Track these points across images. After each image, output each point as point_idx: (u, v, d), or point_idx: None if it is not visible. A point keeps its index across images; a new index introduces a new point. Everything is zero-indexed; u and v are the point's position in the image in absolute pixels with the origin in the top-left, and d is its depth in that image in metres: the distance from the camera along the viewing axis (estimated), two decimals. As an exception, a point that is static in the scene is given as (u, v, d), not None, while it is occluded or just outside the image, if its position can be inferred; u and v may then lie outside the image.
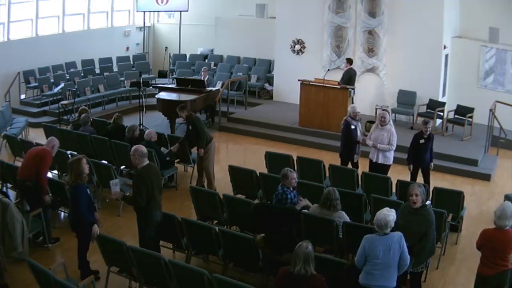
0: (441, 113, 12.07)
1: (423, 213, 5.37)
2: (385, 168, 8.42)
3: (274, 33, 14.47)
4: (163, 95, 12.38)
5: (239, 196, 7.68)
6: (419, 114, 12.26)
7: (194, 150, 9.06)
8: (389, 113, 8.72)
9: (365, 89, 13.02)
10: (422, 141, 8.32)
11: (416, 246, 5.22)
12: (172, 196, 8.65)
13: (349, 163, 8.79)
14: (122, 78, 15.12)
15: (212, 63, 16.22)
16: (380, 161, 8.37)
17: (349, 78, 12.07)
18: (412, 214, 5.37)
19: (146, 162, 5.99)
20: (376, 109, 12.66)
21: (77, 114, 10.53)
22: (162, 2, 16.81)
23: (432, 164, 8.54)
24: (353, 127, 8.57)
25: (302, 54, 14.03)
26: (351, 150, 8.70)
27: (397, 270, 4.89)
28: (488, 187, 9.73)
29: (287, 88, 14.01)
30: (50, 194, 7.03)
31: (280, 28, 14.33)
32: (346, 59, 12.40)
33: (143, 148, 6.02)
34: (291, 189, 6.31)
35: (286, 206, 6.25)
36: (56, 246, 6.95)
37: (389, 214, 4.81)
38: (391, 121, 8.57)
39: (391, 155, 8.47)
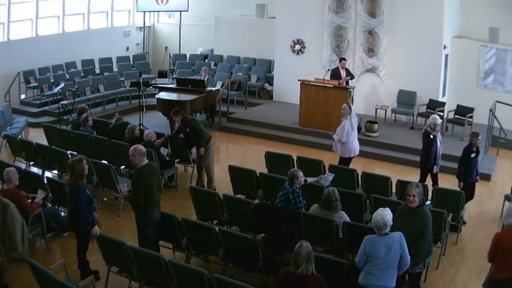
0: (441, 113, 12.04)
1: (419, 213, 5.37)
2: (341, 160, 8.77)
3: (274, 33, 14.47)
4: (163, 95, 12.39)
5: (239, 196, 7.68)
6: (419, 114, 12.28)
7: (193, 150, 9.06)
8: (350, 107, 8.76)
9: (365, 89, 13.03)
10: (473, 155, 7.92)
11: (413, 247, 5.22)
12: (172, 196, 8.65)
13: (428, 173, 8.49)
14: (122, 78, 15.12)
15: (212, 63, 16.22)
16: (335, 150, 8.84)
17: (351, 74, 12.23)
18: (409, 214, 5.37)
19: (146, 161, 6.02)
20: (376, 109, 12.66)
21: (76, 114, 10.54)
22: (162, 2, 16.81)
23: (478, 177, 8.18)
24: (431, 136, 8.28)
25: (302, 54, 14.03)
26: (430, 159, 8.32)
27: (397, 270, 4.90)
28: (488, 187, 9.72)
29: (287, 88, 14.01)
30: (45, 195, 7.05)
31: (280, 28, 14.33)
32: (343, 58, 12.34)
33: (142, 148, 6.05)
34: (298, 187, 6.37)
35: (286, 206, 6.27)
36: (56, 246, 6.96)
37: (386, 214, 4.83)
38: (351, 115, 8.65)
39: (346, 148, 8.68)
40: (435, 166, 8.35)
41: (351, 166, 8.75)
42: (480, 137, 7.93)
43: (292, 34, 14.03)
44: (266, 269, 5.69)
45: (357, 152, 8.92)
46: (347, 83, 11.96)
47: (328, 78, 11.94)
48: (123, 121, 9.94)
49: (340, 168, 8.26)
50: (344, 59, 12.21)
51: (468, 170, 7.92)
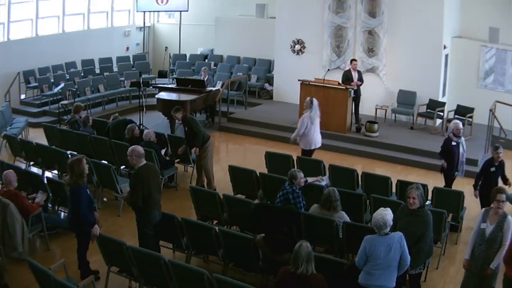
0: (441, 113, 12.08)
1: (420, 215, 5.38)
2: (302, 152, 9.00)
3: (274, 33, 14.46)
4: (163, 95, 12.39)
5: (239, 196, 7.68)
6: (419, 114, 12.28)
7: (193, 150, 9.06)
8: (312, 101, 8.91)
9: (365, 89, 12.98)
10: (493, 169, 7.43)
11: (413, 248, 5.22)
12: (172, 196, 8.65)
13: (452, 180, 8.28)
14: (122, 78, 15.12)
15: (212, 63, 16.21)
16: (293, 141, 9.07)
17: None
18: (410, 215, 5.38)
19: (143, 162, 6.01)
20: (376, 109, 12.66)
21: (72, 112, 10.51)
22: (162, 2, 16.81)
23: None
24: (454, 143, 8.06)
25: (302, 54, 14.03)
26: (452, 167, 8.11)
27: (397, 270, 4.91)
28: (488, 187, 9.71)
29: (287, 88, 14.01)
30: (45, 195, 7.05)
31: (280, 28, 14.32)
32: (354, 59, 12.20)
33: (140, 149, 6.04)
34: (298, 188, 6.38)
35: (286, 206, 6.27)
36: (56, 246, 6.96)
37: (386, 213, 4.83)
38: (313, 108, 8.83)
39: (307, 141, 8.92)
40: (456, 173, 8.14)
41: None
42: (500, 150, 7.39)
43: (292, 34, 14.03)
44: (266, 269, 5.69)
45: (318, 145, 9.14)
46: (358, 87, 11.87)
47: (328, 78, 11.92)
48: (122, 119, 9.98)
49: (340, 168, 8.26)
50: (355, 60, 12.10)
51: (486, 183, 7.42)
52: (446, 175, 8.30)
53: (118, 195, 8.00)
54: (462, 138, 8.18)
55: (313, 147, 9.05)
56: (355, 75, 11.89)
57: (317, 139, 9.07)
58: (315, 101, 8.97)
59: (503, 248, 5.20)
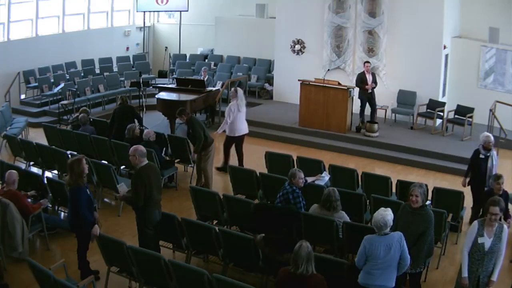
0: (441, 113, 12.07)
1: (422, 213, 5.37)
2: (227, 139, 9.65)
3: (274, 33, 14.46)
4: (163, 95, 12.38)
5: (239, 196, 7.68)
6: (419, 114, 12.28)
7: (192, 156, 9.06)
8: (237, 91, 9.68)
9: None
10: None
11: (413, 248, 5.21)
12: (172, 196, 8.66)
13: (479, 193, 7.61)
14: (122, 78, 15.13)
15: (212, 63, 16.22)
16: (220, 131, 9.75)
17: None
18: (412, 214, 5.37)
19: (145, 162, 6.01)
20: (376, 109, 12.63)
21: (76, 114, 10.57)
22: (162, 2, 16.81)
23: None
24: (482, 156, 7.63)
25: (302, 54, 14.02)
26: (479, 181, 7.66)
27: (396, 270, 4.91)
28: (488, 187, 9.70)
29: (287, 88, 14.01)
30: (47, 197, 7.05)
31: (280, 28, 14.32)
32: (367, 61, 12.09)
33: (142, 148, 6.04)
34: (298, 188, 6.37)
35: (286, 206, 6.27)
36: (56, 246, 6.96)
37: (387, 214, 4.82)
38: (238, 98, 9.53)
39: (232, 128, 9.52)
40: (486, 188, 7.42)
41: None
42: (502, 180, 6.74)
43: (292, 34, 14.02)
44: (266, 269, 5.69)
45: (243, 132, 9.69)
46: (373, 89, 11.85)
47: (328, 78, 11.92)
48: (128, 105, 10.12)
49: (340, 168, 8.26)
50: (368, 62, 12.01)
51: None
52: (474, 190, 7.80)
53: (117, 195, 7.99)
54: (493, 152, 7.72)
55: (237, 134, 9.54)
56: (369, 78, 11.84)
57: (242, 127, 9.62)
58: (239, 90, 9.79)
59: (500, 258, 5.13)
